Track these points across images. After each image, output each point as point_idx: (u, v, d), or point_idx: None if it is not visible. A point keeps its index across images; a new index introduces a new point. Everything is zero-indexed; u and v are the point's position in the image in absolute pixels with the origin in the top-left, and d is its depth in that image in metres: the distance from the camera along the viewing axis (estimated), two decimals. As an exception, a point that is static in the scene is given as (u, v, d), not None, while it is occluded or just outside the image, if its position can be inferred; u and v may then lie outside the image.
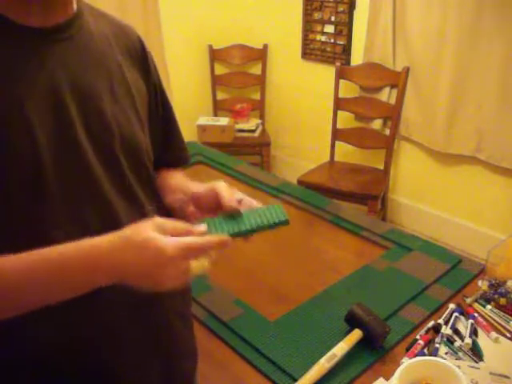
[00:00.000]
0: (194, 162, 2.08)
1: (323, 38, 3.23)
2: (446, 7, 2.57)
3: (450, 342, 1.11)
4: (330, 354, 1.05)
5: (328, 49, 3.22)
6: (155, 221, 0.68)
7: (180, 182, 0.95)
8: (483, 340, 1.13)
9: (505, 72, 2.45)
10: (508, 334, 1.15)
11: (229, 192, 0.84)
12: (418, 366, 0.94)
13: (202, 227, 0.74)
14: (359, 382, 1.04)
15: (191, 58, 3.54)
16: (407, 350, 1.10)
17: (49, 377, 0.76)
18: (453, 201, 2.92)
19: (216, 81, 3.57)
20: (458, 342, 1.10)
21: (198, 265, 0.70)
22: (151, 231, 0.66)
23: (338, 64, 2.99)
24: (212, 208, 0.84)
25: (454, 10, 2.54)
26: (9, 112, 0.66)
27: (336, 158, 3.09)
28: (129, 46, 0.86)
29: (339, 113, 3.00)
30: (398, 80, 2.80)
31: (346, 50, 3.12)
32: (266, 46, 3.52)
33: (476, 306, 1.23)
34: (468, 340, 1.10)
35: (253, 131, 3.47)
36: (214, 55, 3.53)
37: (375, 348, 1.10)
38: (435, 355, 1.06)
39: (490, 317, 1.19)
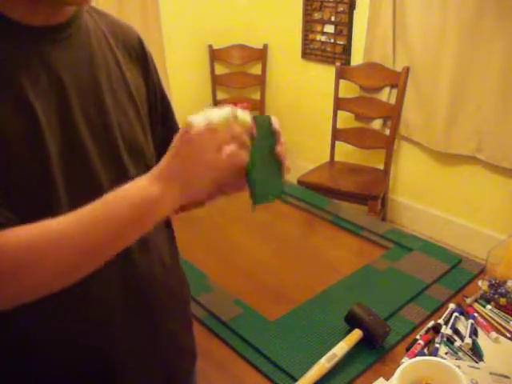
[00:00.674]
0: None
1: (323, 38, 3.23)
2: (446, 7, 2.57)
3: (450, 341, 1.11)
4: (329, 354, 1.05)
5: (328, 49, 3.22)
6: None
7: None
8: (483, 340, 1.13)
9: (505, 72, 2.45)
10: (508, 334, 1.15)
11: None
12: (418, 365, 0.94)
13: None
14: (359, 382, 1.04)
15: (191, 58, 3.54)
16: (407, 349, 1.10)
17: (47, 377, 0.76)
18: (453, 201, 2.92)
19: (216, 81, 3.57)
20: (457, 342, 1.10)
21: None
22: None
23: (338, 64, 3.00)
24: None
25: (454, 9, 2.54)
26: (17, 110, 0.66)
27: (336, 158, 3.09)
28: (128, 45, 0.86)
29: (339, 113, 3.00)
30: (398, 80, 2.80)
31: (346, 49, 3.12)
32: (265, 46, 3.52)
33: (476, 306, 1.23)
34: (468, 340, 1.10)
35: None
36: (214, 55, 3.53)
37: (375, 348, 1.10)
38: (435, 355, 1.06)
39: (489, 317, 1.19)
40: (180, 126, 0.93)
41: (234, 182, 0.73)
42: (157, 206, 0.66)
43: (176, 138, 0.67)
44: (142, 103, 0.86)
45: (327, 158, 3.09)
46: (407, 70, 2.79)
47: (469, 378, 0.97)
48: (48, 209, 0.67)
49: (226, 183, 0.72)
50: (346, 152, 3.14)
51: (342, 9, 3.06)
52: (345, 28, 3.09)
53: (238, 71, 3.60)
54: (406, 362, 0.97)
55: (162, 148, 0.93)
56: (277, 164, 0.77)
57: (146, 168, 0.83)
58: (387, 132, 2.94)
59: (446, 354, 1.07)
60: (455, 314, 1.18)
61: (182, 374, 0.96)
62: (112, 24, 0.86)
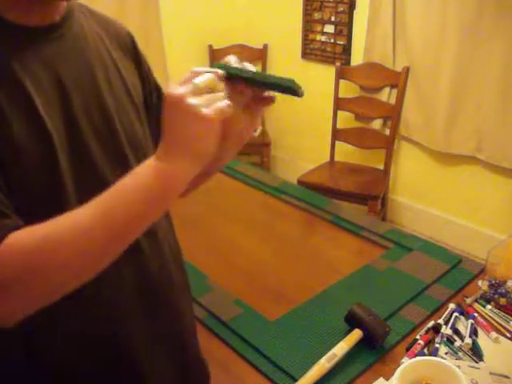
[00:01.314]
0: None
1: (323, 38, 3.23)
2: (446, 7, 2.57)
3: (450, 341, 1.11)
4: (330, 354, 1.05)
5: (328, 49, 3.22)
6: None
7: None
8: (483, 340, 1.12)
9: (505, 72, 2.45)
10: (508, 334, 1.15)
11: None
12: (418, 365, 0.94)
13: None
14: (359, 382, 1.04)
15: (191, 58, 3.53)
16: (407, 350, 1.10)
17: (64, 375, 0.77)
18: (453, 201, 2.92)
19: (216, 81, 3.56)
20: (458, 342, 1.10)
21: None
22: None
23: (338, 64, 2.99)
24: None
25: (454, 9, 2.54)
26: (25, 109, 0.66)
27: (336, 158, 3.09)
28: (120, 41, 0.87)
29: (339, 113, 3.00)
30: (398, 80, 2.80)
31: (346, 49, 3.12)
32: (265, 46, 3.52)
33: (476, 306, 1.23)
34: (468, 340, 1.10)
35: (253, 131, 3.47)
36: (214, 55, 3.53)
37: (375, 348, 1.10)
38: (435, 355, 1.06)
39: (489, 317, 1.19)
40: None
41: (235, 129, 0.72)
42: (170, 180, 0.64)
43: (163, 109, 0.64)
44: (138, 99, 0.86)
45: (327, 158, 3.09)
46: (407, 70, 2.79)
47: (469, 378, 0.97)
48: (58, 210, 0.67)
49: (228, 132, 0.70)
50: (346, 152, 3.14)
51: (342, 9, 3.06)
52: (345, 28, 3.09)
53: (237, 71, 3.59)
54: (406, 361, 0.97)
55: (157, 136, 0.93)
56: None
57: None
58: (387, 132, 2.94)
59: (446, 354, 1.07)
60: (455, 313, 1.18)
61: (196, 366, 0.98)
62: (104, 21, 0.86)
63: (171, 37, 3.30)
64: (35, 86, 0.68)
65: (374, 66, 2.90)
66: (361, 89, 3.02)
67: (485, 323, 1.17)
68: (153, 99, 0.92)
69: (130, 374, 0.82)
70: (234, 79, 0.69)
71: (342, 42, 3.13)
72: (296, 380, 1.02)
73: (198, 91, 0.63)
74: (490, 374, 0.99)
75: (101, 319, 0.77)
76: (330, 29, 3.17)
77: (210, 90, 0.65)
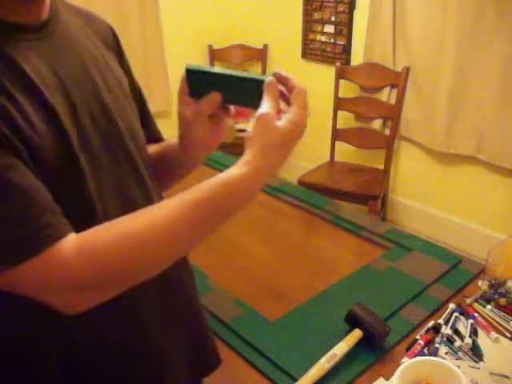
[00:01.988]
0: (194, 162, 2.08)
1: (323, 38, 3.23)
2: (446, 7, 2.57)
3: (450, 342, 1.11)
4: (330, 353, 1.05)
5: (328, 49, 3.22)
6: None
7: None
8: (483, 340, 1.12)
9: (505, 72, 2.45)
10: (508, 334, 1.14)
11: None
12: (418, 365, 0.94)
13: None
14: (359, 382, 1.04)
15: (191, 58, 3.53)
16: (407, 350, 1.10)
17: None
18: (453, 201, 2.92)
19: (216, 81, 3.57)
20: (458, 342, 1.10)
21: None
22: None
23: (338, 64, 3.00)
24: None
25: (454, 9, 2.54)
26: (36, 99, 0.66)
27: (336, 158, 3.09)
28: (103, 34, 0.87)
29: (339, 113, 3.00)
30: (398, 80, 2.80)
31: (346, 49, 3.12)
32: (265, 46, 3.53)
33: (476, 306, 1.23)
34: (468, 340, 1.10)
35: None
36: (214, 55, 3.53)
37: (375, 348, 1.10)
38: (435, 355, 1.06)
39: (489, 317, 1.19)
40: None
41: None
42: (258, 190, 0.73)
43: (263, 130, 0.74)
44: (128, 90, 0.87)
45: (327, 158, 3.09)
46: (407, 70, 2.79)
47: (469, 378, 0.97)
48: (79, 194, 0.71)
49: None
50: (346, 152, 3.14)
51: (342, 9, 3.06)
52: (345, 28, 3.09)
53: (238, 71, 3.60)
54: (406, 361, 0.97)
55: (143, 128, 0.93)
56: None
57: (144, 151, 0.88)
58: (387, 132, 2.94)
59: (446, 354, 1.07)
60: (455, 313, 1.18)
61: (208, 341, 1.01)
62: (86, 16, 0.86)
63: (171, 37, 3.30)
64: (39, 80, 0.68)
65: (374, 65, 2.90)
66: (361, 89, 3.02)
67: (485, 323, 1.17)
68: (136, 96, 0.93)
69: (144, 348, 0.84)
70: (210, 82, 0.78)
71: (342, 42, 3.13)
72: (296, 380, 1.02)
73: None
74: (490, 374, 0.99)
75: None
76: (329, 29, 3.17)
77: None
